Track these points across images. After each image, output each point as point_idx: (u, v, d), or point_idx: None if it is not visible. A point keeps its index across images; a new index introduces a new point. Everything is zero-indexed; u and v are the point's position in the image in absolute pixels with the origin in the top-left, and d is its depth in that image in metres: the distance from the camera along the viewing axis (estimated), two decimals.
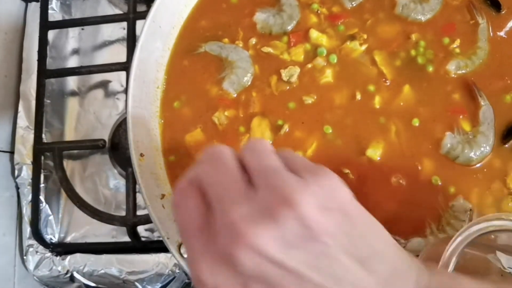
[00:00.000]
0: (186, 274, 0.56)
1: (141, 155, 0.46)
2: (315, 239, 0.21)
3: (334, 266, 0.22)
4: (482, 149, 0.44)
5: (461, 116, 0.46)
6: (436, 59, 0.47)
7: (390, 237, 0.26)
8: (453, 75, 0.47)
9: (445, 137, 0.45)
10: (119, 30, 0.68)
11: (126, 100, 0.47)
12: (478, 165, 0.44)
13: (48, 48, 0.66)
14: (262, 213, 0.21)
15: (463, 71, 0.47)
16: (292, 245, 0.21)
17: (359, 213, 0.24)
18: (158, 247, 0.58)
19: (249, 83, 0.49)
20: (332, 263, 0.22)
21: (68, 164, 0.65)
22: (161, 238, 0.44)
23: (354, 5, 0.50)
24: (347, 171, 0.45)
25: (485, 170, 0.44)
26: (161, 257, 0.58)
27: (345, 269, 0.22)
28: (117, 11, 0.68)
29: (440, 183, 0.44)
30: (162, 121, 0.49)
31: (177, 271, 0.57)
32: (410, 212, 0.44)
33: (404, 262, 0.25)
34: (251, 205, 0.22)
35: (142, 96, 0.48)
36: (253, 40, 0.50)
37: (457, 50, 0.47)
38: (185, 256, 0.45)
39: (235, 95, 0.49)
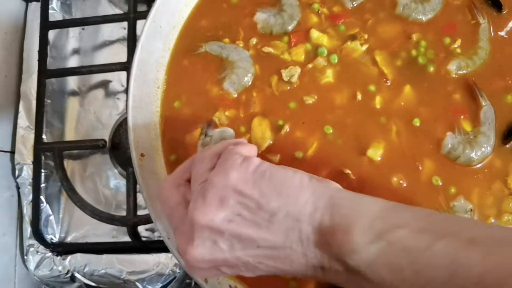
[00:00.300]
0: (186, 274, 0.55)
1: (142, 155, 0.46)
2: (222, 231, 0.30)
3: (245, 241, 0.30)
4: (483, 149, 0.44)
5: (462, 116, 0.46)
6: (437, 59, 0.47)
7: (289, 187, 0.31)
8: (454, 75, 0.47)
9: (446, 137, 0.45)
10: (119, 30, 0.68)
11: (126, 100, 0.47)
12: (479, 165, 0.44)
13: (48, 48, 0.66)
14: (187, 235, 0.31)
15: (464, 71, 0.47)
16: (214, 243, 0.30)
17: (251, 188, 0.30)
18: (159, 247, 0.58)
19: (250, 83, 0.49)
20: (242, 240, 0.30)
21: (68, 164, 0.65)
22: (161, 238, 0.44)
23: (355, 5, 0.50)
24: (347, 171, 0.45)
25: (486, 170, 0.44)
26: (161, 257, 0.58)
27: (252, 238, 0.30)
28: (118, 11, 0.68)
29: (440, 183, 0.44)
30: (162, 120, 0.49)
31: (178, 271, 0.57)
32: None
33: (301, 207, 0.31)
34: (184, 228, 0.32)
35: (143, 96, 0.48)
36: (253, 40, 0.50)
37: (458, 50, 0.47)
38: None
39: (235, 95, 0.49)
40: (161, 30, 0.50)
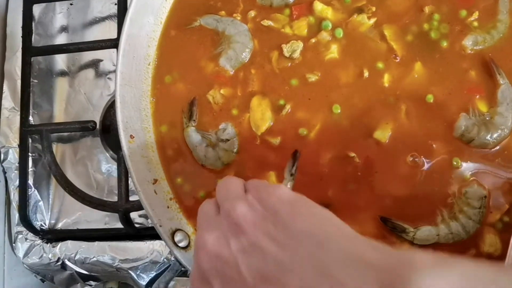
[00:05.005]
0: (180, 263, 0.53)
1: (131, 136, 0.43)
2: (242, 230, 0.31)
3: (256, 245, 0.30)
4: (499, 131, 0.41)
5: (477, 96, 0.42)
6: (451, 33, 0.43)
7: (315, 225, 0.30)
8: (469, 51, 0.43)
9: (459, 118, 0.42)
10: (110, 5, 0.64)
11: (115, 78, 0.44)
12: (495, 148, 0.41)
13: (34, 24, 0.62)
14: (218, 228, 0.32)
15: (481, 47, 0.43)
16: (229, 238, 0.31)
17: (286, 208, 0.31)
18: (153, 234, 0.55)
19: (248, 59, 0.45)
20: (254, 242, 0.30)
21: (58, 148, 0.62)
22: None
23: None
24: (352, 154, 0.42)
25: (505, 152, 0.41)
26: (155, 244, 0.56)
27: (262, 246, 0.30)
28: None
29: (460, 166, 0.41)
30: (154, 99, 0.46)
31: (172, 259, 0.55)
32: (419, 198, 0.42)
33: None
34: (214, 228, 0.33)
35: (132, 74, 0.45)
36: (252, 13, 0.46)
37: (475, 24, 0.43)
38: (180, 245, 0.43)
39: (232, 72, 0.45)
40: (153, 2, 0.47)
